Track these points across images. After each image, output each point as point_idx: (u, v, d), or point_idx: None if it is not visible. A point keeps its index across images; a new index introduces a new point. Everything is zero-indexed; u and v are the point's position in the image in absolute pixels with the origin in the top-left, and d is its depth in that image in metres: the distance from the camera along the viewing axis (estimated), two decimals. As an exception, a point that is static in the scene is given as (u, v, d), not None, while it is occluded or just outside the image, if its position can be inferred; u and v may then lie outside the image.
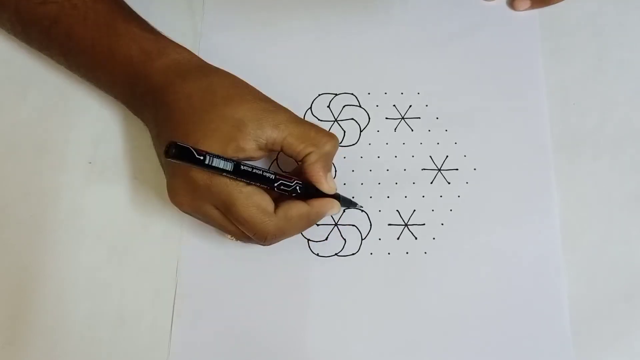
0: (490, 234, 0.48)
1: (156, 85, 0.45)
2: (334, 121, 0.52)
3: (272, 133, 0.42)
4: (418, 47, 0.53)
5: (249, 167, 0.41)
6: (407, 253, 0.48)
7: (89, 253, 0.48)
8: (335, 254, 0.48)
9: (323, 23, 0.54)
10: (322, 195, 0.45)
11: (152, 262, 0.48)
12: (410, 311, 0.47)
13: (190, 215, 0.44)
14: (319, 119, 0.51)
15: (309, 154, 0.43)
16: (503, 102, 0.52)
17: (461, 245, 0.48)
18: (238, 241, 0.45)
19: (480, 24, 0.54)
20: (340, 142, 0.51)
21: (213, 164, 0.39)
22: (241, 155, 0.42)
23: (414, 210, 0.49)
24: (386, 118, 0.52)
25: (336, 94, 0.52)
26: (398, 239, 0.48)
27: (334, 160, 0.50)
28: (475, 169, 0.50)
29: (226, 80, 0.45)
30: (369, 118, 0.52)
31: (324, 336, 0.46)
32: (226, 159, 0.40)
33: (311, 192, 0.44)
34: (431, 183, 0.50)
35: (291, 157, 0.44)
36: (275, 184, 0.42)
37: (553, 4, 0.54)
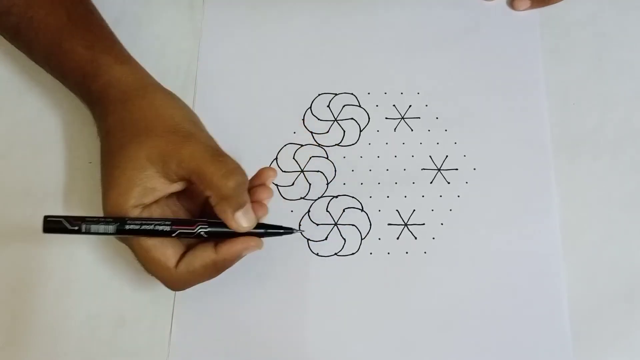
0: (490, 234, 0.48)
1: (96, 111, 0.45)
2: (334, 121, 0.52)
3: (177, 170, 0.40)
4: (418, 47, 0.53)
5: (136, 224, 0.39)
6: (406, 253, 0.48)
7: (89, 253, 0.48)
8: (335, 254, 0.48)
9: (323, 23, 0.54)
10: (237, 234, 0.41)
11: (152, 262, 0.48)
12: (410, 311, 0.47)
13: None
14: (318, 119, 0.52)
15: (209, 197, 0.40)
16: (503, 102, 0.52)
17: (461, 245, 0.48)
18: None
19: (480, 24, 0.54)
20: (340, 142, 0.51)
21: (92, 231, 0.39)
22: (150, 198, 0.40)
23: (414, 210, 0.49)
24: (386, 118, 0.52)
25: (336, 94, 0.52)
26: (398, 238, 0.48)
27: (334, 161, 0.50)
28: (475, 169, 0.50)
29: (139, 111, 0.43)
30: (369, 118, 0.52)
31: (324, 336, 0.46)
32: (108, 222, 0.39)
33: (227, 231, 0.41)
34: (431, 183, 0.50)
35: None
36: (173, 235, 0.40)
37: (553, 3, 0.54)
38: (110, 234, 0.39)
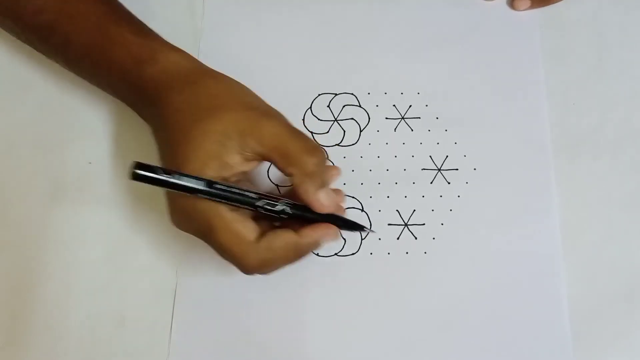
0: (490, 234, 0.48)
1: (150, 96, 0.43)
2: (334, 121, 0.52)
3: (256, 147, 0.39)
4: (418, 47, 0.53)
5: (224, 185, 0.38)
6: (407, 253, 0.48)
7: (89, 253, 0.48)
8: (335, 254, 0.48)
9: (323, 23, 0.54)
10: (317, 219, 0.40)
11: (152, 263, 0.48)
12: (410, 311, 0.47)
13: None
14: (318, 119, 0.52)
15: (293, 174, 0.39)
16: (503, 102, 0.52)
17: (461, 245, 0.48)
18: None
19: (480, 24, 0.54)
20: (340, 142, 0.51)
21: (181, 182, 0.36)
22: (227, 172, 0.39)
23: (414, 210, 0.49)
24: (386, 118, 0.52)
25: (336, 94, 0.52)
26: (398, 238, 0.48)
27: (334, 161, 0.50)
28: (475, 169, 0.50)
29: (212, 89, 0.42)
30: (369, 118, 0.52)
31: (324, 336, 0.46)
32: (198, 178, 0.37)
33: (308, 215, 0.40)
34: (431, 183, 0.50)
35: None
36: (257, 203, 0.39)
37: (553, 3, 0.54)
38: (199, 190, 0.37)
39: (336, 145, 0.51)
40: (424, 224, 0.49)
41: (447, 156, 0.50)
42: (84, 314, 0.47)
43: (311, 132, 0.51)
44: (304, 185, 0.39)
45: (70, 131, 0.51)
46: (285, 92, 0.52)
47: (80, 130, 0.51)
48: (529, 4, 0.54)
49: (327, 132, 0.51)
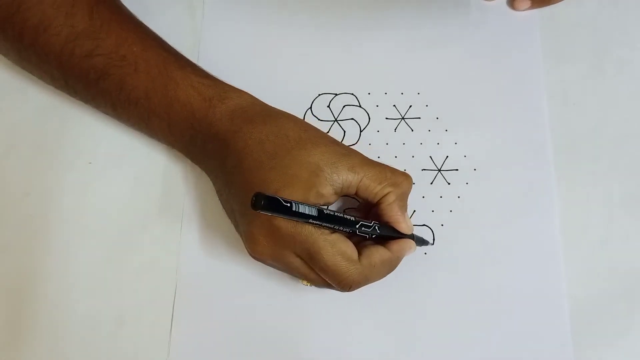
0: (490, 235, 0.48)
1: (221, 132, 0.43)
2: (334, 121, 0.52)
3: (348, 176, 0.42)
4: (418, 47, 0.53)
5: (331, 211, 0.40)
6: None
7: (89, 253, 0.48)
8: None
9: (323, 23, 0.54)
10: (396, 236, 0.44)
11: (152, 262, 0.48)
12: (409, 311, 0.47)
13: (266, 263, 0.43)
14: (319, 119, 0.52)
15: (387, 194, 0.43)
16: (503, 102, 0.52)
17: (461, 246, 0.48)
18: (311, 284, 0.44)
19: (480, 24, 0.54)
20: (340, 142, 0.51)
21: (300, 211, 0.38)
22: (321, 202, 0.41)
23: (414, 211, 0.49)
24: (386, 118, 0.52)
25: (336, 94, 0.52)
26: (398, 239, 0.48)
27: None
28: (475, 169, 0.50)
29: (296, 125, 0.44)
30: (369, 118, 0.52)
31: (324, 336, 0.46)
32: (310, 206, 0.39)
33: (386, 234, 0.44)
34: (431, 183, 0.50)
35: (366, 199, 0.43)
36: (357, 226, 0.42)
37: (553, 4, 0.54)
38: (313, 216, 0.39)
39: (336, 145, 0.51)
40: (423, 225, 0.49)
41: (447, 156, 0.50)
42: (84, 314, 0.47)
43: (311, 132, 0.51)
44: (395, 204, 0.43)
45: (70, 131, 0.51)
46: (285, 92, 0.52)
47: (80, 130, 0.51)
48: (529, 4, 0.54)
49: (328, 132, 0.51)
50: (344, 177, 0.42)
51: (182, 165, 0.50)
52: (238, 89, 0.46)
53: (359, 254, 0.42)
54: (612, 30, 0.54)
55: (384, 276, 0.44)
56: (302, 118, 0.51)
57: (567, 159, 0.50)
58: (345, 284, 0.41)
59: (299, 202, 0.38)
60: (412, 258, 0.48)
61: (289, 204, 0.37)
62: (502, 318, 0.46)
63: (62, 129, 0.51)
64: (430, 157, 0.50)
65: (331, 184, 0.41)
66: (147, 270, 0.48)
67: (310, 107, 0.52)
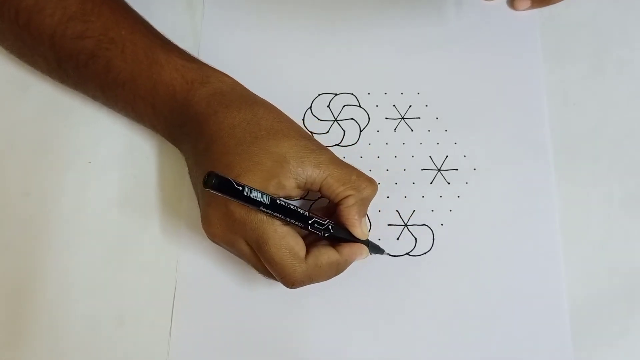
0: (490, 234, 0.48)
1: (198, 114, 0.44)
2: (334, 121, 0.52)
3: (313, 172, 0.42)
4: (418, 47, 0.53)
5: (284, 202, 0.40)
6: (406, 253, 0.48)
7: (89, 253, 0.48)
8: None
9: (323, 23, 0.54)
10: (351, 240, 0.44)
11: (151, 262, 0.48)
12: (409, 311, 0.47)
13: (221, 246, 0.44)
14: (318, 119, 0.52)
15: (347, 196, 0.43)
16: (503, 102, 0.52)
17: (461, 246, 0.48)
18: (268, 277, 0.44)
19: (480, 24, 0.54)
20: (340, 142, 0.51)
21: (251, 196, 0.38)
22: (281, 193, 0.42)
23: (414, 211, 0.49)
24: (386, 118, 0.52)
25: (336, 94, 0.52)
26: (398, 239, 0.48)
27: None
28: (475, 169, 0.50)
29: (270, 114, 0.44)
30: (369, 118, 0.52)
31: (324, 336, 0.46)
32: (264, 193, 0.39)
33: (340, 235, 0.44)
34: (431, 183, 0.50)
35: (328, 198, 0.44)
36: (309, 222, 0.41)
37: (553, 4, 0.54)
38: (264, 204, 0.39)
39: (336, 145, 0.51)
40: (423, 225, 0.49)
41: (446, 156, 0.50)
42: (84, 314, 0.47)
43: (311, 132, 0.51)
44: (352, 209, 0.43)
45: (70, 131, 0.51)
46: (285, 92, 0.52)
47: (80, 130, 0.51)
48: (529, 4, 0.54)
49: (327, 132, 0.51)
50: (309, 172, 0.42)
51: (183, 165, 0.50)
52: (223, 73, 0.46)
53: (308, 252, 0.42)
54: (612, 30, 0.54)
55: (330, 278, 0.43)
56: (302, 116, 0.51)
57: (567, 159, 0.50)
58: (287, 280, 0.41)
59: (253, 188, 0.38)
60: (412, 258, 0.48)
61: (240, 187, 0.37)
62: (502, 318, 0.46)
63: (62, 129, 0.51)
64: (430, 157, 0.50)
65: (294, 177, 0.42)
66: (147, 270, 0.48)
67: (310, 107, 0.52)
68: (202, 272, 0.48)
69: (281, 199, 0.41)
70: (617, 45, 0.53)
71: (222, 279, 0.48)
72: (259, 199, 0.39)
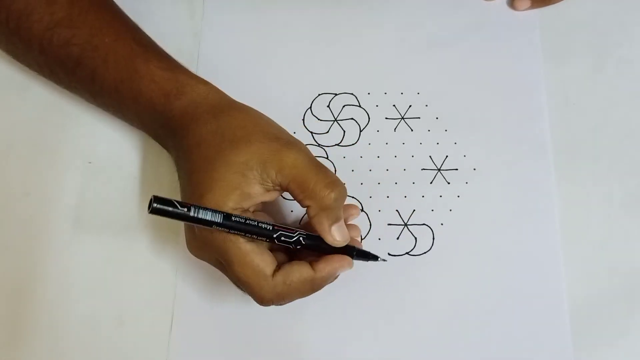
0: (490, 234, 0.48)
1: (175, 129, 0.44)
2: (334, 121, 0.52)
3: (277, 177, 0.40)
4: (418, 47, 0.53)
5: (241, 218, 0.38)
6: (406, 253, 0.48)
7: (89, 253, 0.48)
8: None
9: (323, 23, 0.54)
10: (329, 249, 0.41)
11: (152, 263, 0.48)
12: (409, 311, 0.47)
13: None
14: (318, 119, 0.52)
15: (308, 207, 0.40)
16: (503, 102, 0.52)
17: (461, 245, 0.48)
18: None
19: (480, 24, 0.54)
20: (340, 142, 0.51)
21: (198, 216, 0.37)
22: (248, 203, 0.40)
23: (414, 210, 0.49)
24: (386, 118, 0.52)
25: (336, 94, 0.52)
26: (398, 239, 0.48)
27: (334, 161, 0.50)
28: (475, 169, 0.50)
29: (235, 121, 0.42)
30: (369, 118, 0.52)
31: (324, 336, 0.46)
32: (215, 211, 0.37)
33: (321, 245, 0.41)
34: (431, 183, 0.50)
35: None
36: (275, 235, 0.39)
37: (553, 4, 0.54)
38: (216, 223, 0.37)
39: (336, 145, 0.51)
40: (423, 224, 0.49)
41: (446, 156, 0.50)
42: (83, 314, 0.47)
43: (311, 132, 0.51)
44: (318, 218, 0.40)
45: (70, 131, 0.51)
46: (285, 92, 0.52)
47: (80, 130, 0.51)
48: (529, 4, 0.54)
49: (327, 132, 0.51)
50: (273, 177, 0.40)
51: (182, 165, 0.50)
52: (199, 80, 0.45)
53: (280, 269, 0.40)
54: (612, 30, 0.54)
55: (307, 295, 0.41)
56: (302, 116, 0.51)
57: (567, 159, 0.50)
58: (257, 299, 0.40)
59: (201, 207, 0.37)
60: (411, 257, 0.48)
61: (186, 209, 0.36)
62: (502, 318, 0.46)
63: (61, 129, 0.51)
64: (430, 156, 0.50)
65: (261, 182, 0.40)
66: (147, 270, 0.48)
67: (310, 107, 0.52)
68: (202, 272, 0.48)
69: (238, 215, 0.39)
70: (617, 44, 0.53)
71: (222, 279, 0.48)
72: (208, 218, 0.37)
